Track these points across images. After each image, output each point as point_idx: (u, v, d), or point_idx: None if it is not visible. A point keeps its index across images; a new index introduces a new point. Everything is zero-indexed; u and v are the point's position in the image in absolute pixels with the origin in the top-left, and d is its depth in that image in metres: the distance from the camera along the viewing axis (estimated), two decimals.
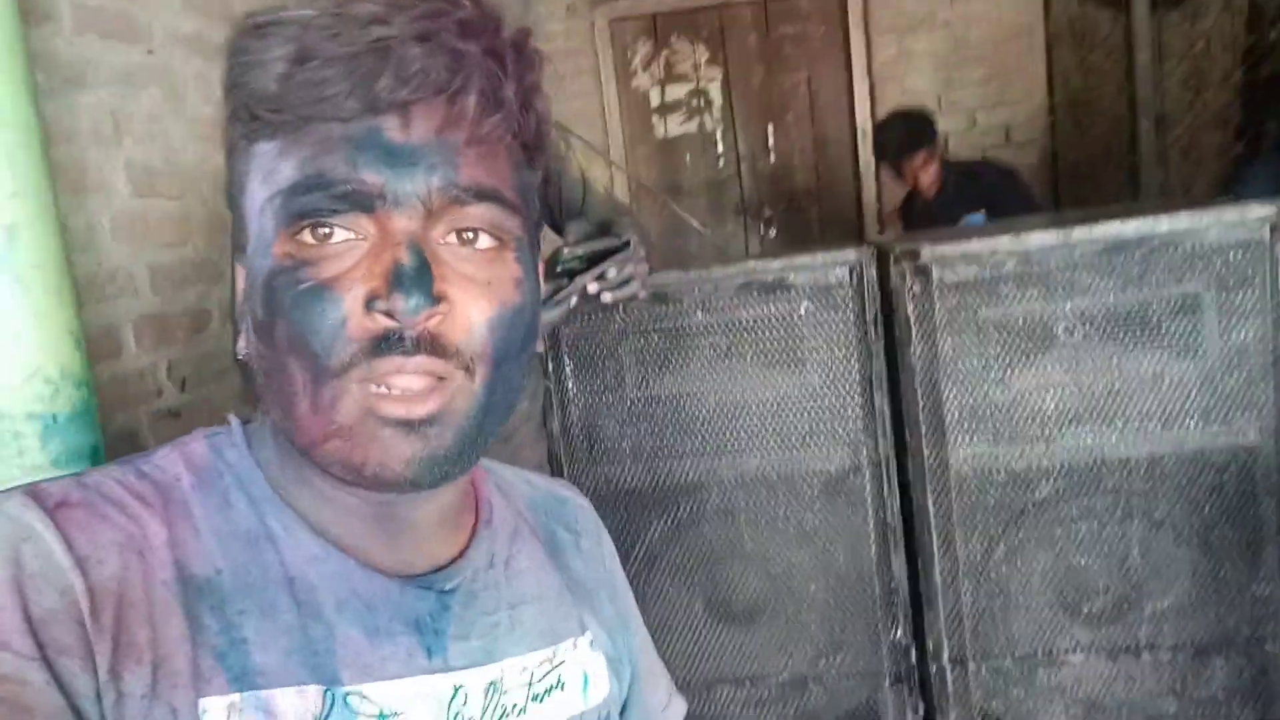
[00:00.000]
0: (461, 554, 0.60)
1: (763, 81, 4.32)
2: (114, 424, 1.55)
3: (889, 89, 4.14)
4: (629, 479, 1.33)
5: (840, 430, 1.31)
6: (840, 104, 4.25)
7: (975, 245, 1.23)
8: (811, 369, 1.30)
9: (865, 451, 1.31)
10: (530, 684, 0.60)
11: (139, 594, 0.49)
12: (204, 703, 0.48)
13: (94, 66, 1.62)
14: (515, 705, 0.58)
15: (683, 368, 1.33)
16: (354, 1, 0.49)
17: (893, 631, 1.34)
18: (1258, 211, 1.19)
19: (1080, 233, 1.21)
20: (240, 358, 0.55)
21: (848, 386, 1.30)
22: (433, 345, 0.49)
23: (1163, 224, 1.20)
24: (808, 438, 1.32)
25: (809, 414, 1.31)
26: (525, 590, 0.62)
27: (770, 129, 4.34)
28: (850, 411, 1.30)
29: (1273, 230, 1.19)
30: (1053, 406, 1.26)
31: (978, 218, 2.78)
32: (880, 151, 3.10)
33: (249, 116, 0.51)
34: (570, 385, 1.33)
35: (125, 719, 0.47)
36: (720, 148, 4.37)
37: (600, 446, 1.34)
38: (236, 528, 0.53)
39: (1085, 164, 4.24)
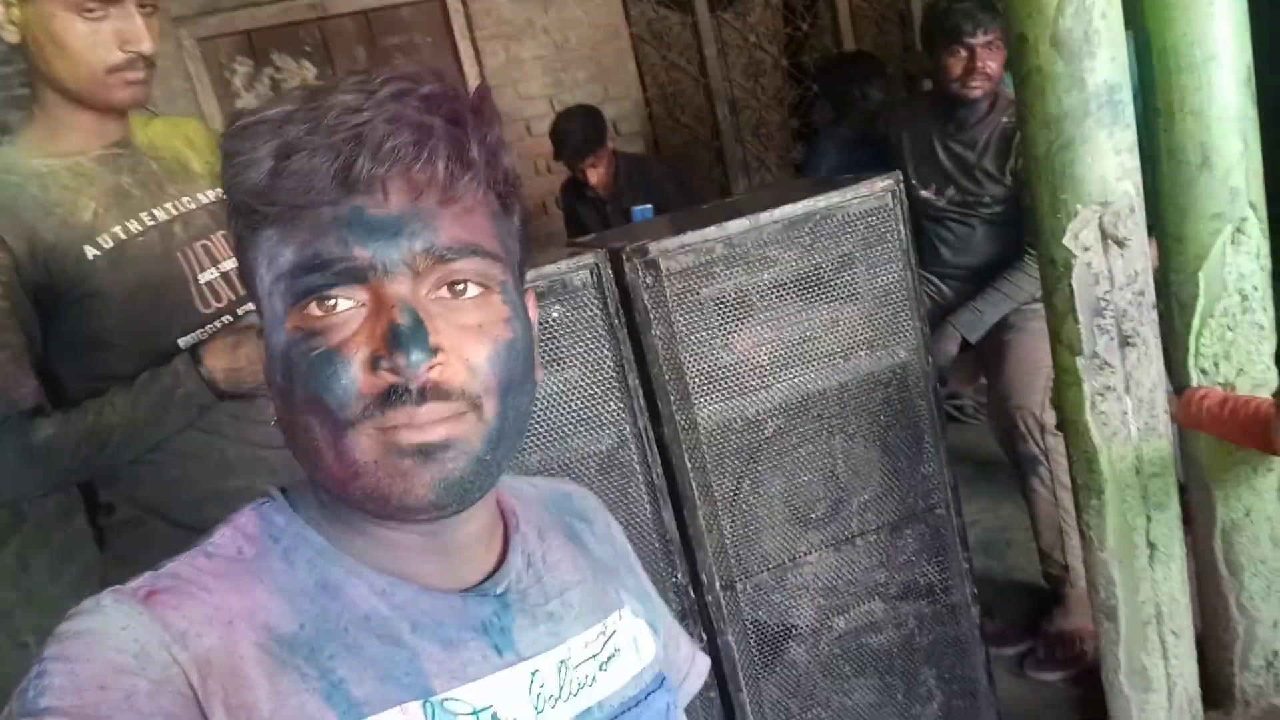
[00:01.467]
0: (502, 561, 0.67)
1: None
2: None
3: (505, 94, 4.35)
4: None
5: (604, 413, 1.48)
6: None
7: (691, 237, 1.46)
8: (570, 364, 1.45)
9: (628, 427, 1.49)
10: (595, 656, 0.68)
11: (238, 660, 0.54)
12: None
13: None
14: (587, 676, 0.66)
15: None
16: (327, 93, 0.55)
17: (674, 575, 1.55)
18: (882, 184, 1.54)
19: (765, 216, 1.49)
20: (274, 425, 0.60)
21: (604, 374, 1.47)
22: (437, 392, 0.55)
23: (821, 201, 1.52)
24: (578, 425, 1.47)
25: (575, 404, 1.46)
26: (566, 578, 0.70)
27: None
28: (610, 395, 1.48)
29: (893, 197, 1.55)
30: (766, 359, 1.53)
31: (646, 211, 3.06)
32: (558, 150, 3.26)
33: (248, 210, 0.57)
34: None
35: None
36: None
37: None
38: (304, 584, 0.59)
39: (682, 148, 4.81)
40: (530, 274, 1.41)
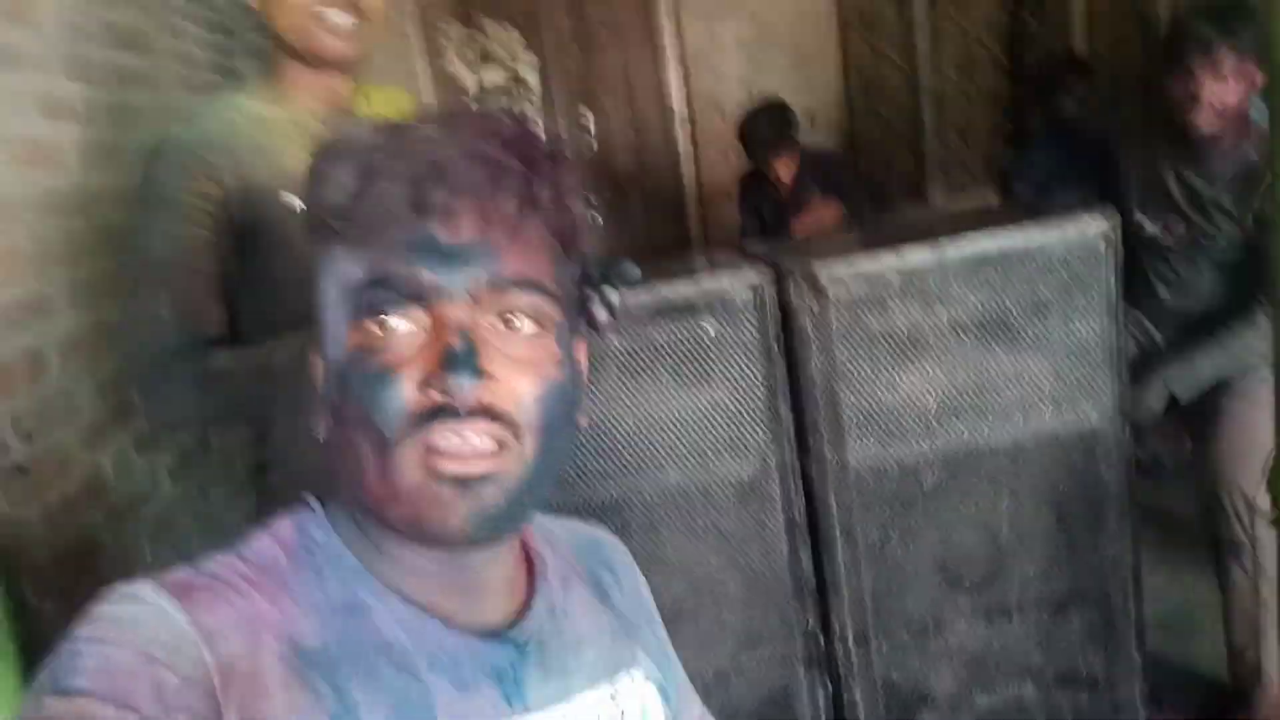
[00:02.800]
0: (526, 606, 0.67)
1: (579, 65, 4.34)
2: None
3: (703, 77, 4.28)
4: (556, 503, 1.35)
5: (750, 440, 1.40)
6: (656, 89, 4.35)
7: (866, 265, 1.35)
8: (720, 384, 1.38)
9: (773, 458, 1.40)
10: (599, 718, 0.67)
11: (259, 667, 0.54)
12: None
13: None
14: None
15: (599, 391, 1.36)
16: (412, 127, 0.59)
17: (804, 620, 1.46)
18: (1093, 227, 1.37)
19: (952, 250, 1.35)
20: (322, 440, 0.62)
21: (754, 399, 1.39)
22: (484, 411, 0.56)
23: (1019, 239, 1.36)
24: (721, 449, 1.39)
25: (721, 427, 1.39)
26: (583, 632, 0.70)
27: (589, 114, 4.37)
28: (758, 422, 1.39)
29: (1105, 242, 1.37)
30: (933, 404, 1.40)
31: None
32: (747, 148, 3.19)
33: (325, 227, 0.59)
34: None
35: None
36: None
37: None
38: (333, 601, 0.60)
39: (878, 145, 4.58)
40: (689, 286, 1.35)
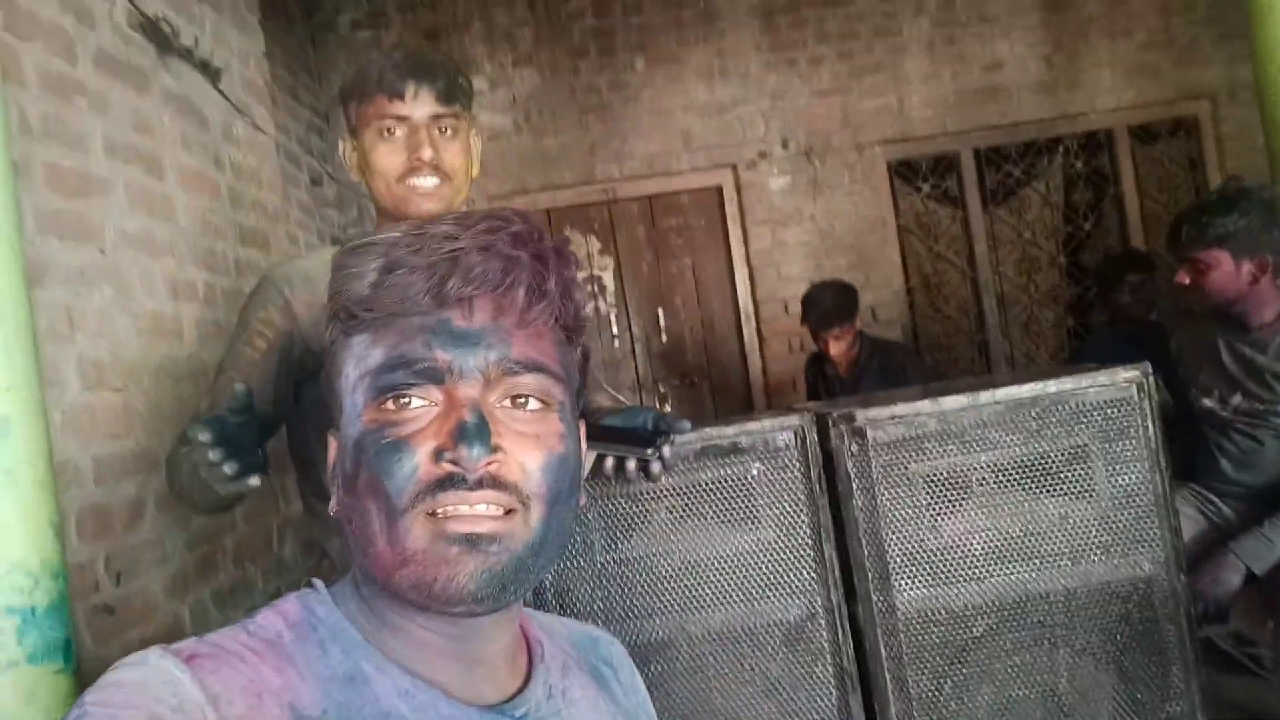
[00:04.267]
0: (524, 686, 0.69)
1: (651, 268, 4.64)
2: None
3: (767, 274, 4.53)
4: None
5: (795, 581, 1.42)
6: (723, 287, 4.61)
7: (901, 408, 1.41)
8: (765, 525, 1.42)
9: (819, 600, 1.42)
10: None
11: None
12: None
13: (52, 266, 1.66)
14: None
15: (647, 529, 1.42)
16: (430, 225, 0.64)
17: None
18: (1125, 374, 1.42)
19: (985, 396, 1.42)
20: (333, 514, 0.66)
21: (799, 539, 1.42)
22: (493, 482, 0.60)
23: (1051, 386, 1.42)
24: (766, 590, 1.42)
25: (766, 567, 1.42)
26: (583, 716, 0.71)
27: (660, 312, 4.63)
28: (803, 563, 1.42)
29: (1139, 390, 1.42)
30: (979, 548, 1.41)
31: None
32: (805, 314, 3.34)
33: (347, 316, 0.65)
34: None
35: None
36: (615, 329, 4.61)
37: (573, 610, 1.40)
38: (335, 672, 0.62)
39: (941, 338, 4.70)
40: (734, 429, 1.43)
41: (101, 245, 1.81)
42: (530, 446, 0.63)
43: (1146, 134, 4.66)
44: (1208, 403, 2.18)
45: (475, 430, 0.59)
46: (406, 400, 0.62)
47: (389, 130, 1.39)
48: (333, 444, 0.68)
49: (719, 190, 4.63)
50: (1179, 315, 2.39)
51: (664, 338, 4.62)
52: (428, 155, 1.38)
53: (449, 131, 1.42)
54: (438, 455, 0.60)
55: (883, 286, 4.54)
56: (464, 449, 0.59)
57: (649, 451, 1.24)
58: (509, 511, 0.61)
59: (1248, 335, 2.09)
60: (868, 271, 4.47)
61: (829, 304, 3.21)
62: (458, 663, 0.65)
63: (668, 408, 4.58)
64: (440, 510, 0.60)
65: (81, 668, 1.30)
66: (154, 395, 1.92)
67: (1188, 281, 2.07)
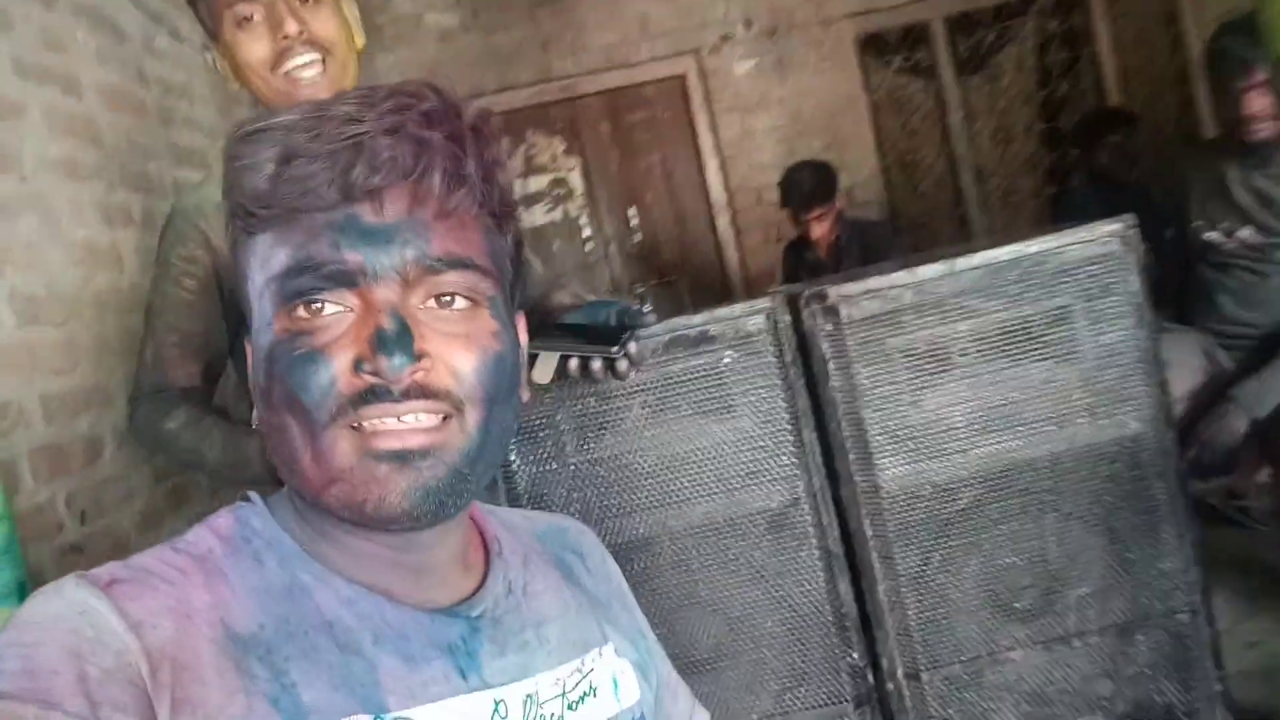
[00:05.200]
0: (480, 586, 0.66)
1: (619, 166, 4.50)
2: None
3: (738, 164, 4.40)
4: None
5: (776, 468, 1.38)
6: (694, 181, 4.49)
7: (875, 281, 1.35)
8: (742, 413, 1.37)
9: (802, 485, 1.38)
10: (564, 693, 0.65)
11: (191, 654, 0.53)
12: None
13: None
14: (553, 714, 0.63)
15: (620, 427, 1.37)
16: (330, 104, 0.57)
17: (849, 655, 1.40)
18: (1108, 229, 1.35)
19: (963, 262, 1.35)
20: (255, 427, 0.60)
21: (778, 426, 1.37)
22: (420, 391, 0.56)
23: (1031, 246, 1.35)
24: (747, 479, 1.38)
25: (745, 456, 1.38)
26: (545, 610, 0.68)
27: (632, 210, 4.51)
28: (783, 449, 1.38)
29: (1122, 243, 1.36)
30: (962, 420, 1.37)
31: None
32: (785, 198, 3.25)
33: (245, 213, 0.58)
34: (513, 458, 1.35)
35: None
36: (586, 232, 4.50)
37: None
38: (271, 584, 0.58)
39: (920, 216, 4.61)
40: (703, 317, 1.36)
41: (21, 173, 1.69)
42: (460, 348, 0.58)
43: None
44: (1213, 235, 2.11)
45: (395, 338, 0.54)
46: (319, 306, 0.56)
47: (246, 18, 1.22)
48: (249, 351, 0.63)
49: (682, 79, 4.46)
50: (1185, 154, 2.32)
51: (637, 237, 4.52)
52: (293, 29, 1.21)
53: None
54: (357, 365, 0.55)
55: (858, 167, 4.43)
56: (383, 359, 0.54)
57: (614, 350, 1.18)
58: (446, 418, 0.57)
59: (1266, 166, 2.02)
60: (841, 153, 4.35)
61: (808, 185, 3.12)
62: (403, 571, 0.62)
63: (648, 307, 4.51)
64: (366, 424, 0.55)
65: None
66: (98, 329, 1.84)
67: (1252, 111, 1.95)
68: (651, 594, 1.37)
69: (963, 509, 1.38)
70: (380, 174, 0.55)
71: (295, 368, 0.55)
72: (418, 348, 0.55)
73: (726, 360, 1.37)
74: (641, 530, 1.37)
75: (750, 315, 1.36)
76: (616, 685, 0.69)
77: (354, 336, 0.55)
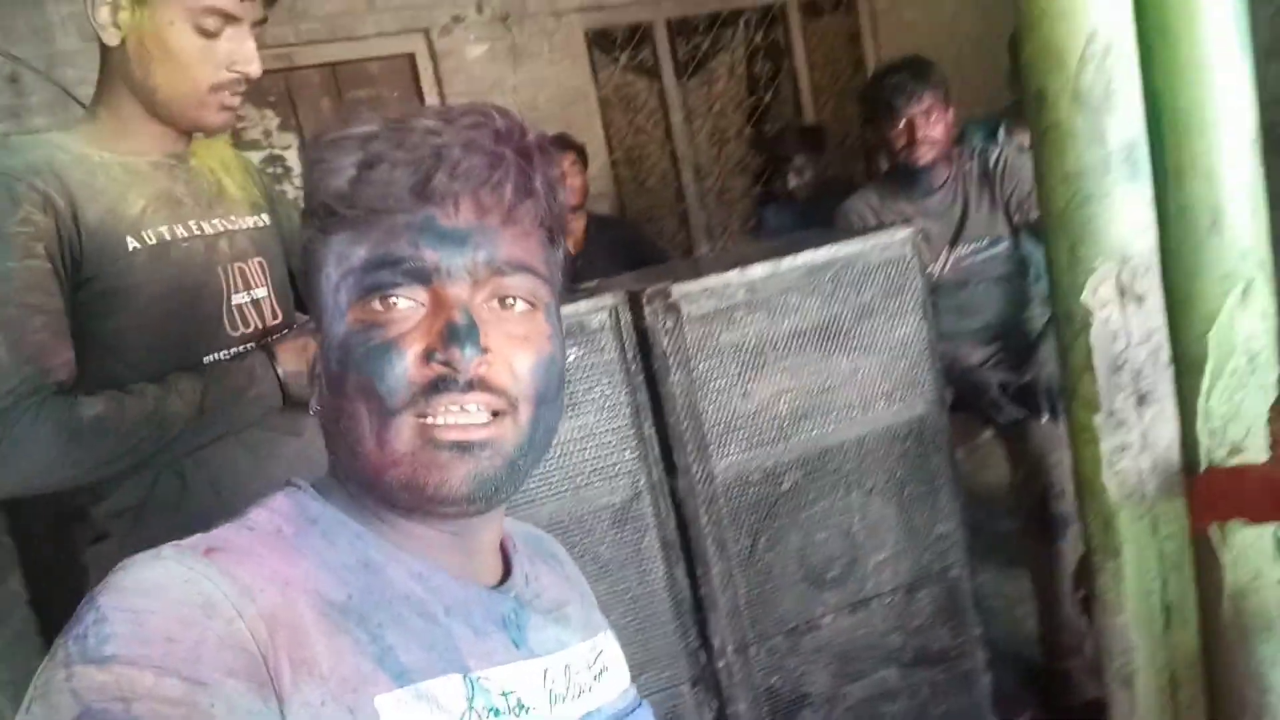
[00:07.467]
0: (508, 573, 0.72)
1: None
2: None
3: None
4: None
5: (619, 462, 1.40)
6: None
7: (712, 280, 1.41)
8: (586, 410, 1.38)
9: (643, 478, 1.41)
10: (590, 666, 0.72)
11: (296, 619, 0.55)
12: (378, 701, 0.55)
13: None
14: (584, 684, 0.70)
15: None
16: (409, 117, 0.61)
17: (687, 639, 1.46)
18: (901, 234, 1.52)
19: (788, 261, 1.45)
20: (313, 414, 0.66)
21: (620, 421, 1.39)
22: (483, 385, 0.60)
23: (844, 249, 1.48)
24: (592, 475, 1.38)
25: (590, 452, 1.38)
26: (558, 596, 0.75)
27: None
28: (625, 443, 1.40)
29: (911, 247, 1.53)
30: (785, 409, 1.48)
31: None
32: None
33: (325, 213, 0.62)
34: None
35: None
36: None
37: None
38: (346, 561, 0.61)
39: (646, 211, 4.81)
40: None
41: None
42: (518, 347, 0.62)
43: (814, 9, 4.97)
44: (933, 267, 2.39)
45: (466, 331, 0.59)
46: (393, 300, 0.60)
47: (212, 29, 1.12)
48: (311, 344, 0.71)
49: (411, 59, 4.28)
50: (865, 200, 2.50)
51: None
52: (255, 70, 1.14)
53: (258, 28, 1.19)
54: (428, 356, 0.59)
55: (590, 160, 4.52)
56: (455, 350, 0.58)
57: None
58: (497, 414, 0.61)
59: (935, 195, 2.30)
60: None
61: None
62: (456, 553, 0.66)
63: None
64: (431, 415, 0.59)
65: None
66: None
67: (919, 135, 2.18)
68: None
69: (785, 491, 1.50)
70: (458, 181, 0.59)
71: (371, 357, 0.59)
72: (483, 342, 0.59)
73: (571, 357, 1.36)
74: None
75: (594, 312, 1.37)
76: (620, 664, 0.77)
77: (425, 330, 0.59)
